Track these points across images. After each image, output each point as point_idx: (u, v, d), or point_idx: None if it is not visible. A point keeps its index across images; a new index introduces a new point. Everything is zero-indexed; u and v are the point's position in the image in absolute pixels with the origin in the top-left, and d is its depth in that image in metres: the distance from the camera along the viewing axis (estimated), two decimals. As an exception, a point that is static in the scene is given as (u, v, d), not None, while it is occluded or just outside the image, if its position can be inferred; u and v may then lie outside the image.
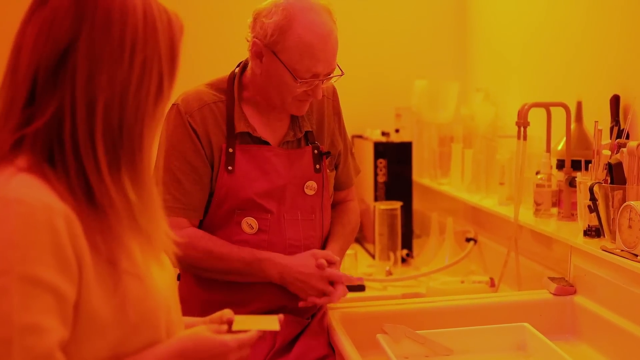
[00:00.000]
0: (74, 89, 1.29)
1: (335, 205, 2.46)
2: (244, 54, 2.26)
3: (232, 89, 2.24)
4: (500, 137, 3.31)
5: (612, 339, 2.20)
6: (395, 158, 3.61)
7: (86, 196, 1.31)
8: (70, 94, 1.29)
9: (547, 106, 2.81)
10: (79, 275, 1.27)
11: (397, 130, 3.75)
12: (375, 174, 3.58)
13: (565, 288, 2.41)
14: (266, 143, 2.24)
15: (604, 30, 2.81)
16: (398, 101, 3.90)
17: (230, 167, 2.20)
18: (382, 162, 3.59)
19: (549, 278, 2.47)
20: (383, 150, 3.61)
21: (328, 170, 2.33)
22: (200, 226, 2.27)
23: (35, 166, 1.29)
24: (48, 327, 1.22)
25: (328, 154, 2.33)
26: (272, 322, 1.54)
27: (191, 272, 2.23)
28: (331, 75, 2.19)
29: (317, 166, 2.30)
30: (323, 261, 2.17)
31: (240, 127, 2.21)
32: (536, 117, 2.77)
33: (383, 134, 3.73)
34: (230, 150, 2.20)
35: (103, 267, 1.31)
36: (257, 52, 2.18)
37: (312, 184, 2.29)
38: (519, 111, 2.72)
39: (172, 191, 2.17)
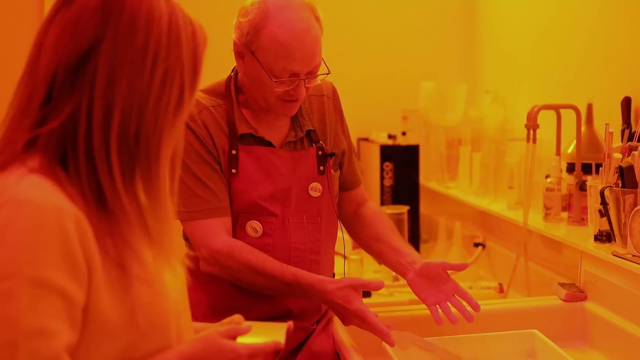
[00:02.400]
0: (92, 93, 1.29)
1: (356, 211, 2.43)
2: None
3: (230, 91, 2.22)
4: (509, 140, 3.28)
5: (624, 346, 2.18)
6: (402, 161, 3.60)
7: (98, 200, 1.30)
8: (88, 97, 1.29)
9: (557, 108, 2.79)
10: (89, 279, 1.26)
11: (403, 133, 3.74)
12: (382, 178, 3.57)
13: (576, 294, 2.40)
14: (269, 143, 2.22)
15: (614, 30, 2.80)
16: (405, 103, 3.88)
17: (234, 170, 2.17)
18: (388, 166, 3.57)
19: (559, 284, 2.46)
20: (389, 153, 3.60)
21: (332, 171, 2.31)
22: None
23: (47, 167, 1.28)
24: (55, 331, 1.21)
25: (332, 154, 2.29)
26: (278, 333, 1.51)
27: (228, 280, 2.19)
28: (315, 75, 2.14)
29: (321, 167, 2.26)
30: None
31: (242, 129, 2.19)
32: (546, 120, 2.75)
33: (389, 136, 3.72)
34: (234, 152, 2.18)
35: (113, 271, 1.31)
36: (238, 52, 2.16)
37: (316, 185, 2.26)
38: (528, 113, 2.70)
39: (200, 194, 2.15)
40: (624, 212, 2.20)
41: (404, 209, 3.30)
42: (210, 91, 2.22)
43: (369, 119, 3.89)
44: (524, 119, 2.72)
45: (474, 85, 4.02)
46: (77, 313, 1.25)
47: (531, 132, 2.69)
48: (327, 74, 2.17)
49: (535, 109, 2.68)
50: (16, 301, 1.19)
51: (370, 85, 4.01)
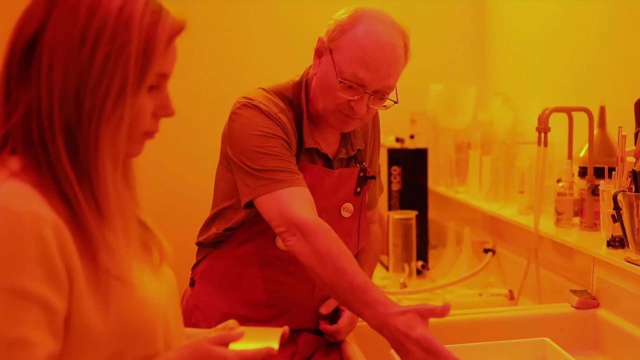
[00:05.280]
0: (38, 81, 1.26)
1: None
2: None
3: (299, 99, 2.17)
4: (519, 144, 3.25)
5: (636, 354, 2.16)
6: (410, 165, 3.57)
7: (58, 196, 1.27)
8: (35, 86, 1.26)
9: (568, 111, 2.78)
10: (70, 287, 1.24)
11: (412, 136, 3.71)
12: (389, 182, 3.54)
13: (588, 301, 2.39)
14: (329, 160, 2.19)
15: (627, 31, 2.78)
16: (413, 106, 3.84)
17: None
18: (396, 170, 3.55)
19: (571, 291, 2.45)
20: (397, 157, 3.58)
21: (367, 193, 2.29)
22: (233, 234, 2.21)
23: (27, 168, 1.26)
24: (37, 342, 1.20)
25: (373, 177, 2.29)
26: (272, 338, 1.48)
27: (304, 262, 2.01)
28: (382, 97, 2.09)
29: (358, 189, 2.24)
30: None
31: (309, 143, 2.15)
32: (557, 123, 2.73)
33: (397, 140, 3.69)
34: None
35: (95, 278, 1.28)
36: (318, 51, 2.13)
37: (348, 206, 2.23)
38: (539, 116, 2.68)
39: (276, 167, 2.04)
40: (637, 217, 2.17)
41: (412, 214, 3.27)
42: (278, 94, 2.17)
43: (376, 122, 3.87)
44: (535, 121, 2.70)
45: (483, 87, 3.99)
46: (59, 323, 1.23)
47: (542, 135, 2.66)
48: (395, 102, 2.14)
49: (547, 112, 2.65)
50: None
51: (378, 88, 3.97)
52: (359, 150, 2.25)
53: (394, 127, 3.79)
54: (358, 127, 2.25)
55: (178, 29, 1.35)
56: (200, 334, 1.50)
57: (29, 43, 1.26)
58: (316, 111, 2.15)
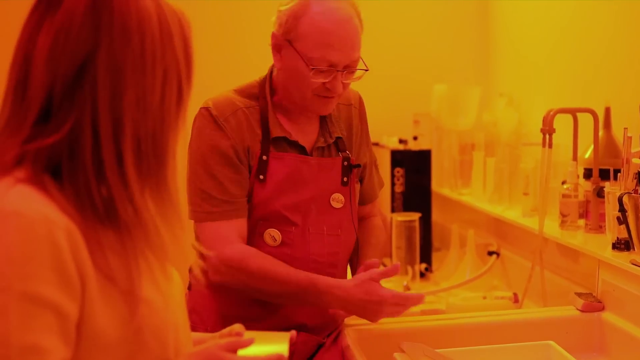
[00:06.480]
0: (95, 104, 1.25)
1: (359, 221, 2.40)
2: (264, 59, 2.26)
3: (264, 93, 2.20)
4: (524, 145, 3.27)
5: None
6: (414, 167, 3.57)
7: (99, 211, 1.27)
8: (90, 109, 1.25)
9: (573, 112, 2.76)
10: (82, 292, 1.23)
11: (415, 138, 3.71)
12: (393, 184, 3.54)
13: (593, 304, 2.37)
14: (302, 148, 2.20)
15: (632, 32, 2.76)
16: (416, 107, 3.85)
17: (261, 176, 2.15)
18: (399, 171, 3.54)
19: (576, 293, 2.42)
20: (400, 158, 3.57)
21: (355, 183, 2.29)
22: None
23: (34, 177, 1.24)
24: (49, 348, 1.19)
25: (358, 166, 2.28)
26: (280, 343, 1.48)
27: (237, 290, 2.15)
28: (353, 70, 2.13)
29: (345, 179, 2.25)
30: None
31: (276, 132, 2.17)
32: (562, 124, 2.71)
33: (400, 141, 3.69)
34: (264, 157, 2.15)
35: (107, 284, 1.27)
36: (276, 45, 2.15)
37: (338, 196, 2.24)
38: (544, 117, 2.66)
39: (216, 195, 2.11)
40: (643, 219, 2.16)
41: (415, 216, 3.27)
42: (243, 92, 2.21)
43: (380, 123, 3.81)
44: (539, 123, 2.68)
45: (487, 88, 3.98)
46: (71, 328, 1.22)
47: (547, 136, 2.64)
48: (366, 70, 2.15)
49: (551, 113, 2.64)
50: (6, 317, 1.16)
51: (381, 88, 3.94)
52: (339, 138, 2.26)
53: (397, 128, 3.80)
54: (337, 116, 2.27)
55: (188, 20, 1.37)
56: (211, 340, 1.50)
57: (79, 67, 1.24)
58: (293, 103, 2.18)
